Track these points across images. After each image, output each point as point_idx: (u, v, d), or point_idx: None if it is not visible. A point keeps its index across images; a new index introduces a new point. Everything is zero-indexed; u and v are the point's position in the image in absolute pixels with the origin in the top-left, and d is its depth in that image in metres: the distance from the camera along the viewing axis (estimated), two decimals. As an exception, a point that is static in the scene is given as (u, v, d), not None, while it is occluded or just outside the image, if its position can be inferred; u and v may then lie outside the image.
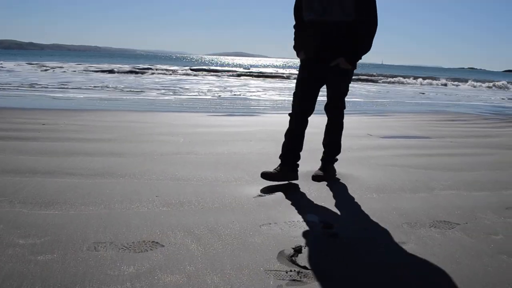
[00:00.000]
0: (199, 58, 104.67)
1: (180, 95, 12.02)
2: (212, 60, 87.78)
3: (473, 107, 12.72)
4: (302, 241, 2.15)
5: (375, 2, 2.89)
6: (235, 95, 12.80)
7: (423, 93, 18.80)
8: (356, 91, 16.60)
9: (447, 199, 2.97)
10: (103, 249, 2.00)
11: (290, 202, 2.78)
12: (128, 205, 2.62)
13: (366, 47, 2.96)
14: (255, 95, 13.06)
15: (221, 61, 77.13)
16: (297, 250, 1.99)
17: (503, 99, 17.83)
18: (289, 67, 47.28)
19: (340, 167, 3.55)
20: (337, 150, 3.42)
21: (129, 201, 2.68)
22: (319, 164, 3.47)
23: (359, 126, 6.57)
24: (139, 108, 8.41)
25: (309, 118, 3.25)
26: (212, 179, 3.25)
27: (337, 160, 3.47)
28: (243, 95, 12.79)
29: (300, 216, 2.52)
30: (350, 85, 3.26)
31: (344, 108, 3.31)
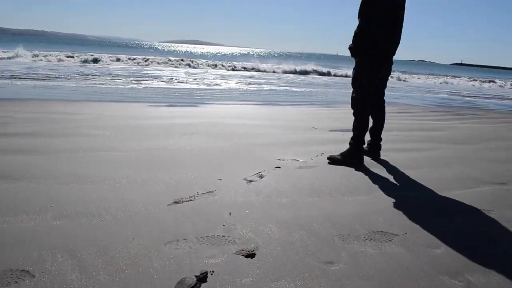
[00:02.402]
0: (160, 47, 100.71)
1: (128, 84, 11.29)
2: (169, 48, 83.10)
3: (422, 99, 12.89)
4: (212, 263, 1.78)
5: (362, 6, 3.35)
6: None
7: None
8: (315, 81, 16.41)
9: (387, 203, 2.71)
10: None
11: (209, 211, 2.40)
12: (12, 218, 2.15)
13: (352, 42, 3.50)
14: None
15: (179, 50, 71.91)
16: (201, 279, 1.62)
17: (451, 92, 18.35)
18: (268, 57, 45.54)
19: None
20: (353, 134, 3.70)
21: (14, 213, 2.21)
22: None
23: (305, 118, 6.31)
24: (74, 97, 7.71)
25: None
26: (125, 182, 2.81)
27: (354, 144, 3.68)
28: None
29: (217, 229, 2.15)
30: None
31: (356, 96, 3.62)
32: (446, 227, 2.37)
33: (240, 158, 3.60)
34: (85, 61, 18.66)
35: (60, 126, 4.62)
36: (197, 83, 12.43)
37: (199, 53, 57.91)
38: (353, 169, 3.50)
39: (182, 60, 22.13)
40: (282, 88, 12.93)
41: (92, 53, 23.29)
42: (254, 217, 2.33)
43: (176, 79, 13.58)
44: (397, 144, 4.68)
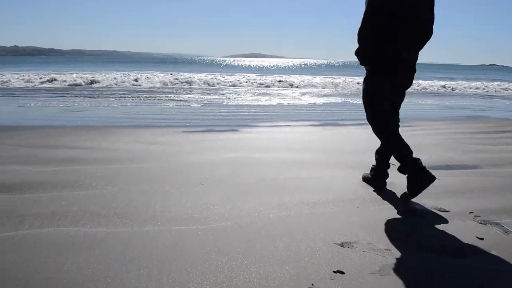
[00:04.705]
0: (227, 61, 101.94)
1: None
2: (239, 64, 76.58)
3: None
4: None
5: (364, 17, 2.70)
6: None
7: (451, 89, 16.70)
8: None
9: None
10: None
11: None
12: None
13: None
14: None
15: (252, 65, 66.69)
16: None
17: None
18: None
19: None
20: (400, 162, 2.93)
21: None
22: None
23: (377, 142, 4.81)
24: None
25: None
26: None
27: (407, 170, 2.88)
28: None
29: None
30: None
31: (372, 117, 3.00)
32: None
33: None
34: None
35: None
36: (238, 100, 11.26)
37: (263, 66, 57.39)
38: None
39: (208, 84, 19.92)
40: (339, 101, 11.38)
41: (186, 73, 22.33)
42: None
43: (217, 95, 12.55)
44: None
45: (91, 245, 2.13)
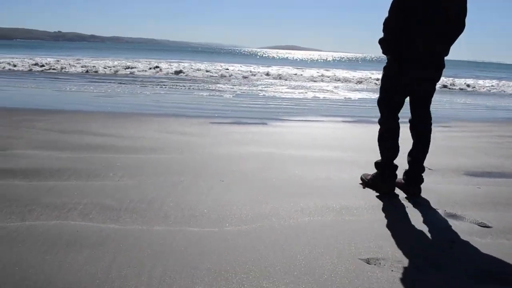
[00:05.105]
0: (264, 53, 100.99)
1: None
2: (277, 55, 74.49)
3: None
4: None
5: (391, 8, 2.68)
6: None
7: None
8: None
9: None
10: None
11: None
12: None
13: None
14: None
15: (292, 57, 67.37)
16: None
17: None
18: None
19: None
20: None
21: None
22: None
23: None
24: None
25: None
26: None
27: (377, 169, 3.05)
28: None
29: None
30: None
31: (379, 103, 3.04)
32: None
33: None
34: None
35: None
36: (270, 91, 11.01)
37: (297, 58, 56.66)
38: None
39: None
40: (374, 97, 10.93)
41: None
42: None
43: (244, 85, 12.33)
44: None
45: (95, 242, 1.99)
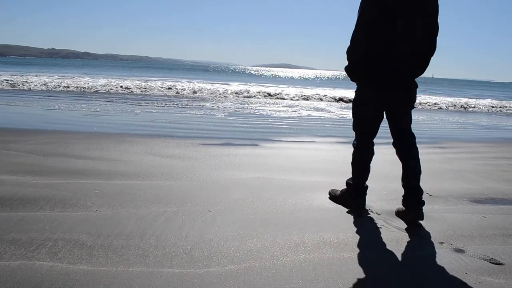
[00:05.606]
0: (256, 71, 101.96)
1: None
2: (270, 74, 74.67)
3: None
4: None
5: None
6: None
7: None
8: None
9: None
10: None
11: None
12: None
13: None
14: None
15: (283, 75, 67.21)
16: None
17: None
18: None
19: None
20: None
21: None
22: None
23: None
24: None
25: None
26: None
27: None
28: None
29: None
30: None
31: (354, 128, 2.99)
32: None
33: None
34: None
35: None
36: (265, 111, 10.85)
37: (288, 77, 56.96)
38: None
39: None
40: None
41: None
42: None
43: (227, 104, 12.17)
44: None
45: (60, 289, 1.74)
